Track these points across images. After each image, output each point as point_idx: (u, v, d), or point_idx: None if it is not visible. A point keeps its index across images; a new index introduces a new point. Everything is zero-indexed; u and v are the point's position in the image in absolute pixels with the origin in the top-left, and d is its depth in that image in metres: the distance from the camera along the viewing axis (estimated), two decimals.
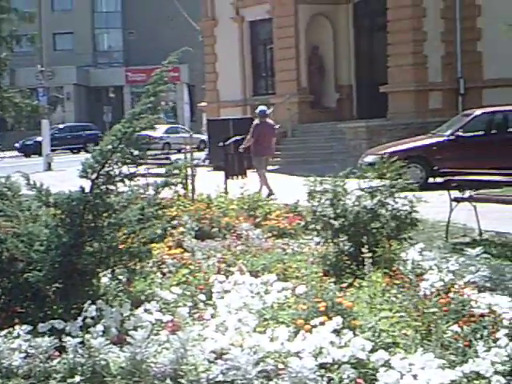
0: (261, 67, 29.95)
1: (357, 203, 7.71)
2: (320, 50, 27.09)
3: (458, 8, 23.61)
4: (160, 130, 37.74)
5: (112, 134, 6.90)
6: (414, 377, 4.60)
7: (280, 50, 26.73)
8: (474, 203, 10.18)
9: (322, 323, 5.24)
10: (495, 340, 5.00)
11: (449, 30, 23.79)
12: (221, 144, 15.90)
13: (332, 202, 7.78)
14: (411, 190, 7.90)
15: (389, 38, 23.50)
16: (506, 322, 5.26)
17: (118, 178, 6.99)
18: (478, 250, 7.50)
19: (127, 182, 7.11)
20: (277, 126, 16.27)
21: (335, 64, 27.28)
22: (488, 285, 6.67)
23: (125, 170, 7.01)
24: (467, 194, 10.26)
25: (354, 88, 27.12)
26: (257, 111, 16.51)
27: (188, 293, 6.63)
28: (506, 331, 5.06)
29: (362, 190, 7.92)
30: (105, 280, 6.88)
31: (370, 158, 16.47)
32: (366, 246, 6.83)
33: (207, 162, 24.94)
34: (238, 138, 15.92)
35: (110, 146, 6.84)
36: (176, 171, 7.75)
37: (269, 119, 16.59)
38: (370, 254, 6.67)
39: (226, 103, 29.59)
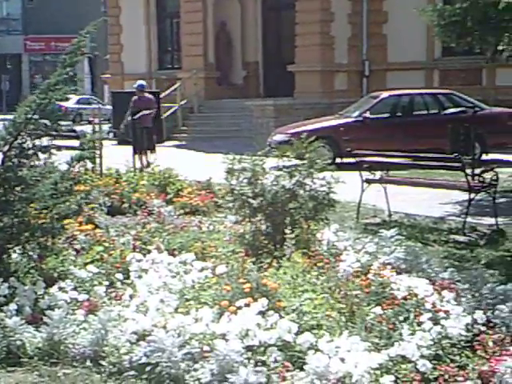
0: (167, 41, 29.51)
1: (275, 183, 7.65)
2: (228, 26, 26.89)
3: None
4: (71, 101, 36.83)
5: (26, 104, 6.63)
6: (342, 360, 4.58)
7: (187, 24, 26.37)
8: (384, 185, 10.30)
9: (247, 305, 5.16)
10: (419, 323, 5.04)
11: (356, 11, 24.01)
12: (130, 118, 15.52)
13: (250, 180, 7.69)
14: (329, 170, 7.90)
15: (297, 17, 23.50)
16: (428, 306, 5.31)
17: (31, 151, 6.73)
18: (393, 231, 7.59)
19: (41, 155, 6.86)
20: (154, 100, 16.15)
21: (242, 41, 27.15)
22: (403, 266, 6.75)
23: (38, 142, 6.76)
24: (378, 175, 10.38)
25: (260, 66, 27.04)
26: (135, 86, 16.34)
27: (104, 271, 6.44)
28: (430, 315, 5.10)
29: (280, 169, 7.87)
30: (14, 256, 6.61)
31: (279, 137, 16.49)
32: (288, 227, 6.78)
33: (111, 136, 24.44)
34: (145, 112, 15.59)
35: (23, 117, 6.57)
36: (91, 144, 7.50)
37: (147, 94, 16.43)
38: (292, 235, 6.63)
39: (130, 76, 28.96)
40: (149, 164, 15.06)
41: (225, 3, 26.50)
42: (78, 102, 36.47)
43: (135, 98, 15.98)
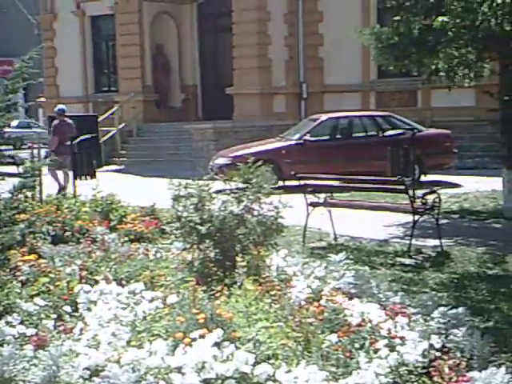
0: (103, 63, 29.29)
1: (223, 208, 7.59)
2: (165, 48, 26.86)
3: (301, 13, 24.09)
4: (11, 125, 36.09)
5: None
6: None
7: (123, 46, 26.24)
8: (328, 208, 10.35)
9: (202, 336, 5.07)
10: (376, 350, 5.02)
11: (292, 34, 24.23)
12: (68, 143, 15.31)
13: (197, 206, 7.61)
14: (277, 194, 7.88)
15: (234, 40, 23.60)
16: (383, 332, 5.30)
17: None
18: (341, 255, 7.60)
19: None
20: (74, 125, 16.25)
21: (180, 63, 27.14)
22: (354, 291, 6.75)
23: None
24: (322, 198, 10.43)
25: (199, 88, 27.07)
26: (55, 110, 16.41)
27: (51, 303, 6.27)
28: (386, 341, 5.10)
29: (226, 193, 7.83)
30: None
31: (221, 161, 16.47)
32: (238, 253, 6.73)
33: (48, 161, 24.04)
34: (84, 137, 15.39)
35: None
36: (34, 172, 7.33)
37: (67, 118, 16.46)
38: (243, 263, 6.58)
39: (66, 99, 28.67)
40: (64, 188, 15.03)
41: (161, 25, 26.47)
42: (18, 126, 35.84)
43: (56, 122, 16.09)
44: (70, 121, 16.48)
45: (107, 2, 26.86)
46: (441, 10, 11.05)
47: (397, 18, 11.98)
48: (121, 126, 24.61)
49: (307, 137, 16.98)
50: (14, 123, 35.96)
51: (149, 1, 25.84)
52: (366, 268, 8.26)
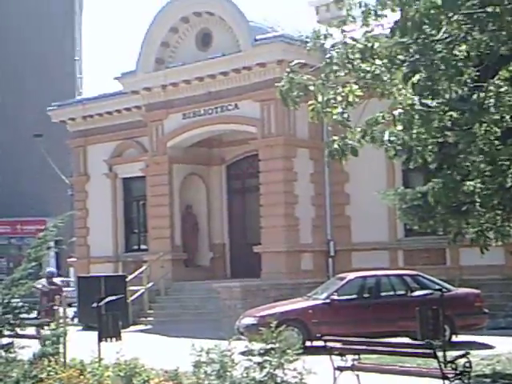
0: (133, 223, 29.74)
1: (245, 375, 7.45)
2: (194, 208, 27.30)
3: (327, 173, 24.51)
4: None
5: None
6: None
7: (153, 207, 26.72)
8: (356, 372, 10.11)
9: None
10: None
11: (319, 193, 24.56)
12: (94, 304, 15.28)
13: (219, 373, 7.49)
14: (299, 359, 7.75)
15: (261, 199, 23.97)
16: None
17: None
18: None
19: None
20: (64, 288, 16.69)
21: (209, 223, 27.49)
22: None
23: None
24: (349, 361, 10.20)
25: (227, 247, 27.27)
26: (45, 272, 16.76)
27: None
28: None
29: (252, 356, 7.70)
30: None
31: (247, 321, 16.33)
32: None
33: (76, 321, 24.03)
34: (112, 298, 15.39)
35: None
36: (56, 338, 7.30)
37: (56, 280, 16.80)
38: None
39: (96, 259, 29.04)
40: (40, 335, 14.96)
41: (191, 186, 27.04)
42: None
43: (43, 283, 16.41)
44: (59, 282, 16.82)
45: (139, 165, 27.63)
46: (466, 174, 11.13)
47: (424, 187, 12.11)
48: (149, 286, 24.66)
49: (334, 296, 16.86)
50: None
51: (178, 163, 26.51)
52: None
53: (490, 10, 8.10)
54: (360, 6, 8.35)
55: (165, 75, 25.83)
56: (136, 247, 29.24)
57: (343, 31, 8.66)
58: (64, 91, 41.51)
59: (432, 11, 7.64)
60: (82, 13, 54.75)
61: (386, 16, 8.41)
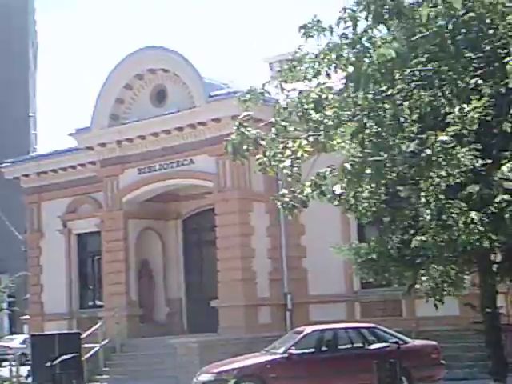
0: (88, 279, 29.44)
1: None
2: (150, 263, 27.15)
3: (283, 226, 24.61)
4: (16, 341, 36.55)
5: None
6: None
7: (109, 263, 26.48)
8: None
9: None
10: None
11: (275, 246, 24.64)
12: (48, 363, 15.08)
13: None
14: None
15: (218, 253, 23.94)
16: None
17: None
18: None
19: None
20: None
21: (165, 277, 27.32)
22: None
23: None
24: None
25: (184, 302, 27.09)
26: None
27: None
28: None
29: None
30: None
31: (205, 377, 16.19)
32: None
33: (30, 380, 23.53)
34: (66, 356, 15.20)
35: None
36: None
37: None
38: None
39: (50, 316, 28.61)
40: None
41: (146, 241, 26.91)
42: (23, 342, 35.44)
43: None
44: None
45: (94, 220, 27.47)
46: (418, 228, 11.33)
47: (373, 238, 12.31)
48: (104, 343, 24.31)
49: (292, 350, 16.82)
50: (20, 339, 36.29)
51: (134, 218, 26.42)
52: None
53: (436, 65, 8.36)
54: (312, 67, 8.54)
55: (119, 131, 25.90)
56: (91, 303, 28.93)
57: (296, 81, 8.84)
58: (18, 147, 41.35)
59: (385, 65, 7.82)
60: (36, 70, 54.84)
61: (336, 73, 8.61)
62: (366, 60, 7.98)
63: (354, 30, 8.04)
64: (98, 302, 28.29)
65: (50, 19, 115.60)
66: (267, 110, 9.58)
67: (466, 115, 8.37)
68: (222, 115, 23.29)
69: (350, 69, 8.09)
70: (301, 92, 8.78)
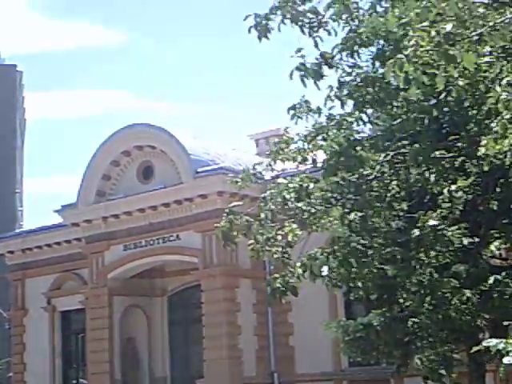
0: (72, 357, 28.95)
1: None
2: (135, 340, 26.74)
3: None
4: None
5: None
6: None
7: (93, 341, 26.07)
8: None
9: None
10: None
11: (262, 323, 24.36)
12: None
13: None
14: None
15: (204, 330, 23.65)
16: None
17: None
18: None
19: None
20: None
21: (150, 355, 26.88)
22: None
23: None
24: None
25: (169, 380, 26.60)
26: None
27: None
28: None
29: None
30: None
31: None
32: None
33: None
34: None
35: None
36: None
37: None
38: None
39: None
40: None
41: (131, 318, 26.57)
42: None
43: None
44: None
45: (78, 297, 27.17)
46: (406, 306, 11.25)
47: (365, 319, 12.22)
48: None
49: None
50: None
51: (119, 295, 26.14)
52: None
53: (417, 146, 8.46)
54: (299, 153, 8.62)
55: (106, 207, 25.85)
56: (74, 382, 28.39)
57: (274, 169, 8.91)
58: (4, 223, 41.19)
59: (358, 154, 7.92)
60: (23, 146, 55.10)
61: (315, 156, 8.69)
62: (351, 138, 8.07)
63: (342, 108, 8.17)
64: (82, 381, 27.76)
65: (38, 96, 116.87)
66: (255, 187, 9.62)
67: (454, 195, 8.43)
68: (208, 191, 23.34)
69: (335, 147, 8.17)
70: (279, 184, 8.86)
